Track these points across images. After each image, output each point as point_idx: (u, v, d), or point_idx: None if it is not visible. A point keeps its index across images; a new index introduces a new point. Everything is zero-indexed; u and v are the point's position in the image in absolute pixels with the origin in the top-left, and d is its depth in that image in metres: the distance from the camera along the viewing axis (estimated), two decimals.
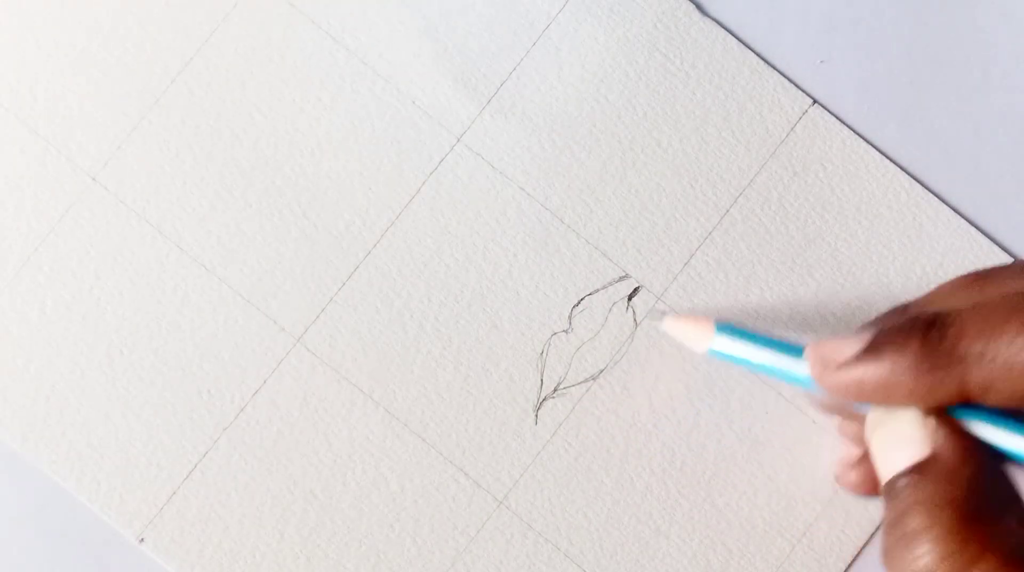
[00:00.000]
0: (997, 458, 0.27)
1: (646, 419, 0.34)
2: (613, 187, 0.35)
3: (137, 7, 0.35)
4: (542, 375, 0.35)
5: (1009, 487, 0.26)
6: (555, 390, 0.35)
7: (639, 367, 0.35)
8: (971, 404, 0.27)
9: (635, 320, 0.35)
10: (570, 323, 0.35)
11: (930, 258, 0.35)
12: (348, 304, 0.35)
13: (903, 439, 0.27)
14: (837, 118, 0.35)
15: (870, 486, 0.32)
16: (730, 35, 0.35)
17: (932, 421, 0.27)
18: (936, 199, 0.35)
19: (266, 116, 0.35)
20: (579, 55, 0.35)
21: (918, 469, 0.26)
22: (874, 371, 0.27)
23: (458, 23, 0.35)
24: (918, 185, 0.35)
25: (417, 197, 0.35)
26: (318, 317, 0.35)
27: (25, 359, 0.34)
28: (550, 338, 0.35)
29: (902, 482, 0.26)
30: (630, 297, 0.35)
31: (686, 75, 0.35)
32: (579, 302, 0.35)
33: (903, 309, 0.29)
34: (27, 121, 0.35)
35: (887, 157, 0.35)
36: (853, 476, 0.32)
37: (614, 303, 0.35)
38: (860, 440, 0.31)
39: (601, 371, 0.35)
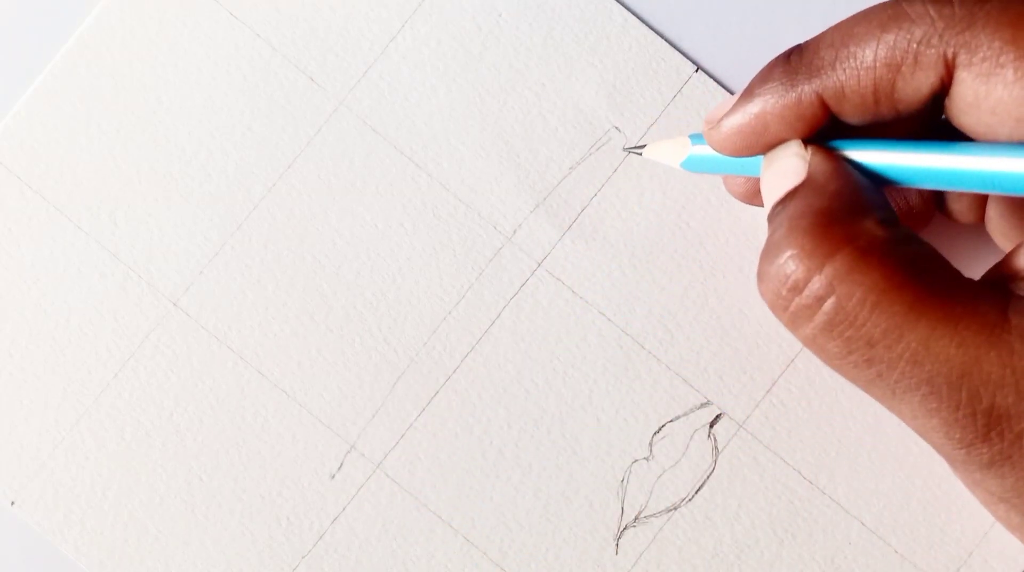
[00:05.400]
0: (876, 181, 0.27)
1: (728, 550, 0.34)
2: (695, 313, 0.35)
3: (219, 132, 0.35)
4: (623, 503, 0.34)
5: (877, 198, 0.27)
6: (636, 519, 0.34)
7: (721, 496, 0.34)
8: (843, 134, 0.28)
9: (716, 447, 0.35)
10: (651, 450, 0.35)
11: None
12: (428, 430, 0.35)
13: (784, 171, 0.28)
14: None
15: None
16: None
17: (808, 150, 0.28)
18: None
19: (348, 241, 0.35)
20: (661, 181, 0.35)
21: (792, 193, 0.27)
22: (748, 109, 0.28)
23: (539, 149, 0.35)
24: None
25: (498, 322, 0.35)
26: (398, 443, 0.34)
27: (104, 486, 0.34)
28: (631, 465, 0.35)
29: (778, 207, 0.27)
30: (712, 424, 0.35)
31: None
32: (660, 429, 0.35)
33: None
34: (108, 246, 0.34)
35: None
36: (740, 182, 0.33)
37: (695, 430, 0.35)
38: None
39: (684, 500, 0.34)
